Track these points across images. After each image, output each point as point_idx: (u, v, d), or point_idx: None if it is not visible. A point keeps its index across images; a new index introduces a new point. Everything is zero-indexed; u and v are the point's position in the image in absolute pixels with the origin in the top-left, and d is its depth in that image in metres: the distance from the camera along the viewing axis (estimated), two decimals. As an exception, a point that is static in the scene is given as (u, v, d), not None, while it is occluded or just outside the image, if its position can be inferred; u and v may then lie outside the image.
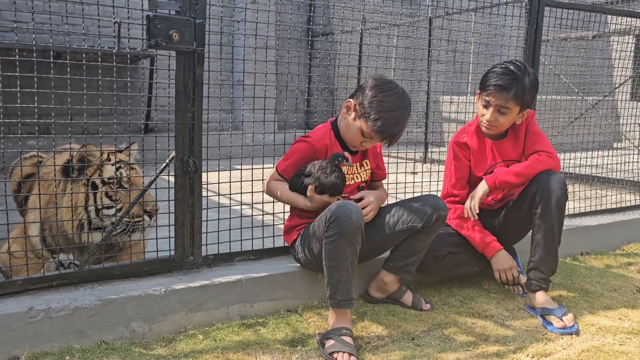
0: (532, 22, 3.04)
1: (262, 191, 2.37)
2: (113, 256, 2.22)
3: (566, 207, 3.47)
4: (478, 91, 2.47)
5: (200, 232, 2.23)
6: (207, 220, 2.26)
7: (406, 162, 4.09)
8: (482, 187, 2.41)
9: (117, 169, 2.18)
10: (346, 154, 2.14)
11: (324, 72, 5.98)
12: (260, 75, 2.42)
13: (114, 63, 2.10)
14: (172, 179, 2.16)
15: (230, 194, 2.38)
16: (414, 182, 3.11)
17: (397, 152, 3.48)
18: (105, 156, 2.18)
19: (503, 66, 2.38)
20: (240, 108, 7.34)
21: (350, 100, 2.19)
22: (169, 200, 2.18)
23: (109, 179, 2.15)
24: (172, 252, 2.21)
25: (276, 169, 2.28)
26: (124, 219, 2.11)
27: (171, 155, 2.14)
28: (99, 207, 2.14)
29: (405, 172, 3.52)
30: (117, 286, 2.05)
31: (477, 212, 2.41)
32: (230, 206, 2.41)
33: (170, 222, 2.19)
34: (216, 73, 2.39)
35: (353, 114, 2.17)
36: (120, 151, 2.27)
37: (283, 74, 2.52)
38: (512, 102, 2.34)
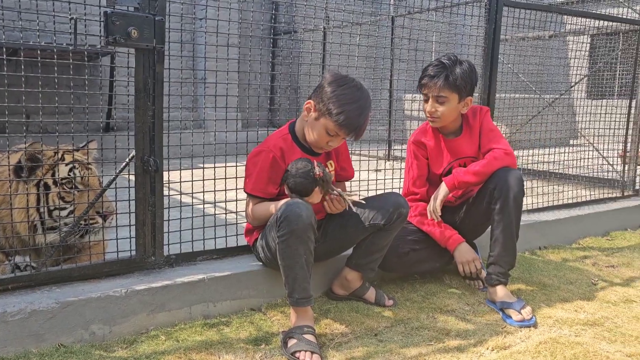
0: (491, 21, 3.10)
1: (224, 190, 2.35)
2: (72, 257, 2.17)
3: (523, 203, 3.57)
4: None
5: (162, 231, 2.20)
6: (168, 220, 2.24)
7: (369, 160, 4.13)
8: (442, 189, 2.46)
9: (71, 169, 2.12)
10: (314, 160, 2.10)
11: (287, 70, 5.98)
12: (223, 73, 2.40)
13: (71, 60, 2.05)
14: (133, 178, 2.13)
15: (193, 193, 2.35)
16: (376, 180, 3.14)
17: (360, 150, 3.51)
18: (59, 156, 2.12)
19: (434, 61, 2.50)
20: (202, 107, 7.27)
21: (310, 101, 2.16)
22: (129, 200, 2.14)
23: (62, 179, 2.10)
24: (133, 253, 2.18)
25: (247, 194, 2.22)
26: (77, 221, 2.06)
27: (131, 155, 2.10)
28: (52, 208, 2.08)
29: (368, 170, 3.55)
30: (76, 288, 2.00)
31: (440, 213, 2.46)
32: (192, 205, 2.39)
33: (131, 222, 2.16)
34: (178, 71, 2.36)
35: (315, 114, 2.13)
36: (77, 150, 2.22)
37: (246, 72, 2.50)
38: (446, 89, 2.42)
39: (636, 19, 3.92)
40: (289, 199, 2.06)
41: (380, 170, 4.35)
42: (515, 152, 2.57)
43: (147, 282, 2.09)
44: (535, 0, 4.10)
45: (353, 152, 3.35)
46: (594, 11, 4.22)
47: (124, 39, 1.94)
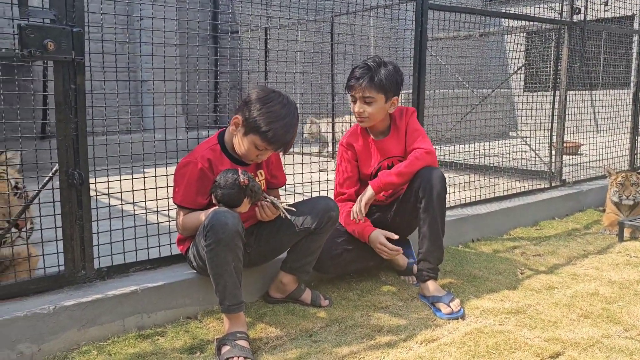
0: (418, 23, 3.19)
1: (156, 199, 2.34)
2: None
3: (459, 197, 3.69)
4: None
5: (92, 245, 2.18)
6: (98, 233, 2.21)
7: (302, 162, 4.17)
8: (368, 192, 2.52)
9: None
10: (240, 169, 2.11)
11: (231, 70, 5.96)
12: (165, 74, 2.39)
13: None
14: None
15: (122, 204, 2.33)
16: (314, 181, 3.18)
17: (302, 151, 3.55)
18: None
19: (360, 64, 2.57)
20: (149, 115, 7.14)
21: (237, 116, 2.16)
22: (54, 215, 2.11)
23: None
24: (62, 268, 2.15)
25: (177, 205, 2.22)
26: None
27: (54, 169, 2.07)
28: None
29: (310, 172, 3.59)
30: (1, 307, 1.96)
31: (364, 214, 2.51)
32: (122, 216, 2.36)
33: (59, 236, 2.12)
34: (118, 74, 2.33)
35: (243, 130, 2.15)
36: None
37: (189, 73, 2.49)
38: (372, 90, 2.50)
39: (556, 18, 4.10)
40: (216, 207, 2.07)
41: (326, 170, 4.39)
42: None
43: (76, 297, 2.07)
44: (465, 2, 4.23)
45: (293, 152, 3.38)
46: (516, 12, 4.39)
47: (40, 51, 1.90)
